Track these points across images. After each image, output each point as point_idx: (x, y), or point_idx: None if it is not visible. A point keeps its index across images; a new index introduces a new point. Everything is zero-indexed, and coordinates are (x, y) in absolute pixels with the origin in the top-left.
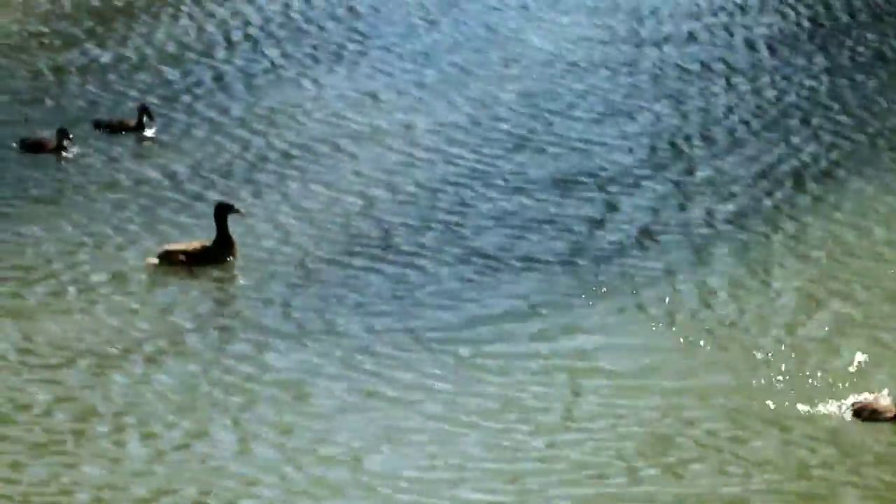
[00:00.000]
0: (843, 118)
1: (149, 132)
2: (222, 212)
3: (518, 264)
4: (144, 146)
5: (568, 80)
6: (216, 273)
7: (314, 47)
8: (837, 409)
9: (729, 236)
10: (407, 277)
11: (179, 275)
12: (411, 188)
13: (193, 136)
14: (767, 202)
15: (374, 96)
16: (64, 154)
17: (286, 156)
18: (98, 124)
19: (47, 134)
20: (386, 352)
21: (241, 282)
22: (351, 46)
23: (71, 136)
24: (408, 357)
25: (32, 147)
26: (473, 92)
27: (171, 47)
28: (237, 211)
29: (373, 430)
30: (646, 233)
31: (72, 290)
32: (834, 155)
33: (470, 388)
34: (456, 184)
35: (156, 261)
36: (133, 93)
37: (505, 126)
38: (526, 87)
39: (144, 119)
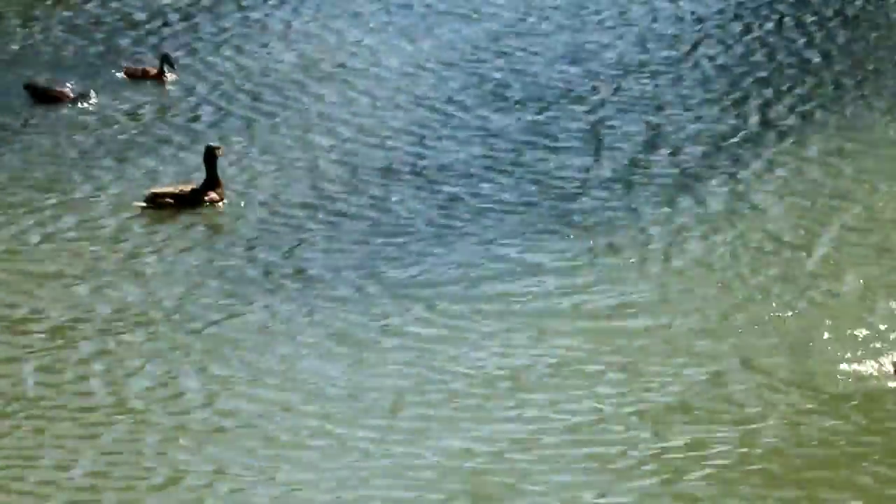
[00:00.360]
0: (810, 59)
1: (169, 77)
2: (211, 155)
3: (486, 207)
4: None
5: (538, 23)
6: (194, 217)
7: None
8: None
9: (699, 177)
10: (377, 220)
11: (162, 217)
12: (380, 130)
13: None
14: (734, 145)
15: (341, 35)
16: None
17: (255, 97)
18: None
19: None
20: (351, 295)
21: (221, 223)
22: None
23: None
24: (374, 301)
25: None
26: (443, 33)
27: None
28: (218, 147)
29: (336, 373)
30: (617, 175)
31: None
32: (800, 93)
33: (436, 333)
34: (424, 126)
35: (143, 204)
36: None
37: (472, 69)
38: (494, 29)
39: (165, 67)
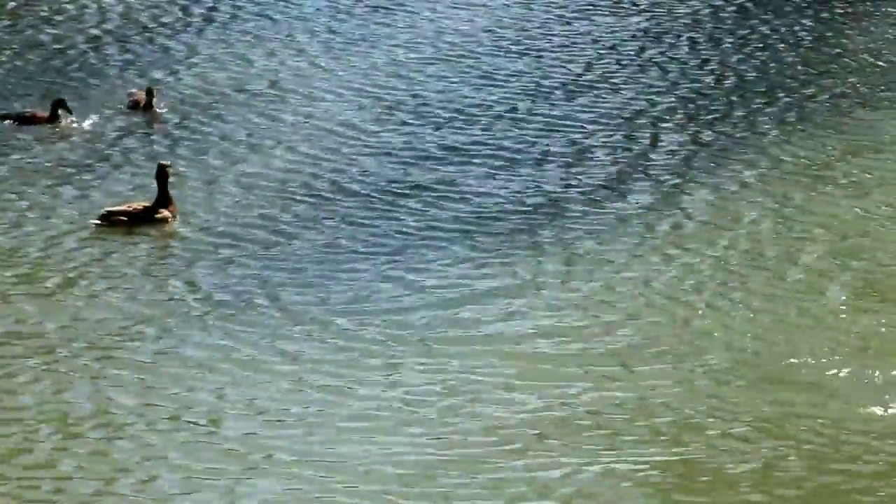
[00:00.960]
0: (801, 55)
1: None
2: (162, 173)
3: (452, 227)
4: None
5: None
6: (153, 233)
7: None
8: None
9: (673, 183)
10: (337, 240)
11: (118, 235)
12: (335, 147)
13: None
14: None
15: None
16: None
17: (206, 110)
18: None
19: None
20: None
21: (174, 243)
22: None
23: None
24: (333, 328)
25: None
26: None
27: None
28: (169, 166)
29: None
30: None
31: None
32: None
33: (398, 361)
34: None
35: (97, 221)
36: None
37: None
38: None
39: (60, 112)
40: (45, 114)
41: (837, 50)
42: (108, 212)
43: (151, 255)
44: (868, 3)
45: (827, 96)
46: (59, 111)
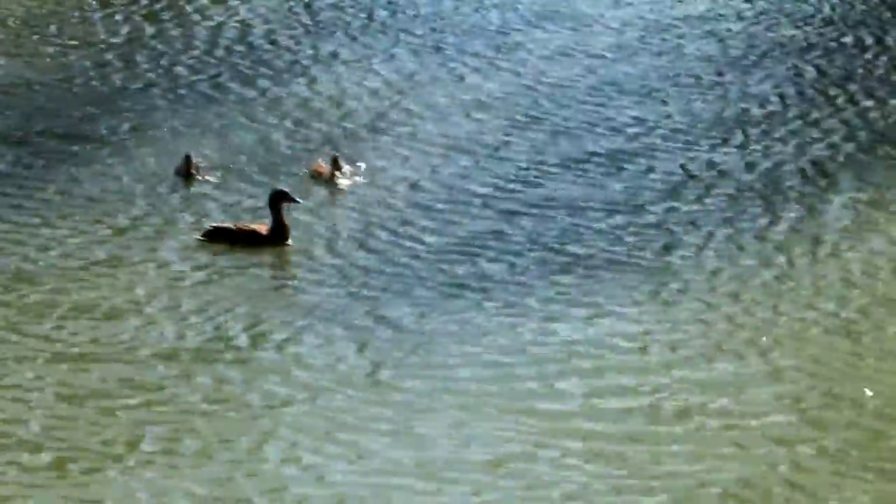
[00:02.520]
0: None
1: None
2: (277, 199)
3: (570, 260)
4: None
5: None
6: (257, 258)
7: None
8: None
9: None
10: (454, 271)
11: (219, 252)
12: (458, 174)
13: (218, 126)
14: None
15: (408, 77)
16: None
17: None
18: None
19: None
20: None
21: (283, 269)
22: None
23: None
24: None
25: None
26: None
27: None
28: (293, 200)
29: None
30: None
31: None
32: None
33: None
34: (503, 172)
35: (203, 237)
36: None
37: (525, 108)
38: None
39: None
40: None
41: None
42: (215, 228)
43: (254, 276)
44: None
45: None
46: (193, 170)
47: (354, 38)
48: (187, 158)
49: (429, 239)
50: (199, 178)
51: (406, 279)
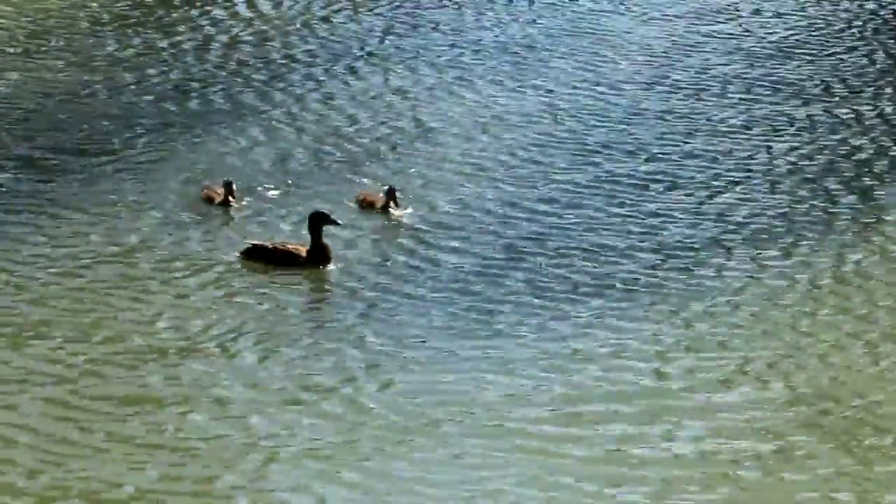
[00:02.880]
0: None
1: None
2: (317, 221)
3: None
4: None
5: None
6: (295, 277)
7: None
8: None
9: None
10: (489, 298)
11: (258, 271)
12: (498, 192)
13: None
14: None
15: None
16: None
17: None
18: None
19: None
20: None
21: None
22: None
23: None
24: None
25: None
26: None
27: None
28: (334, 222)
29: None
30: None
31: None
32: None
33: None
34: (540, 193)
35: (241, 255)
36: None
37: (546, 127)
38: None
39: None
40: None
41: None
42: (255, 246)
43: (291, 295)
44: None
45: None
46: (230, 195)
47: (371, 54)
48: (228, 185)
49: (451, 260)
50: (236, 205)
51: (430, 302)
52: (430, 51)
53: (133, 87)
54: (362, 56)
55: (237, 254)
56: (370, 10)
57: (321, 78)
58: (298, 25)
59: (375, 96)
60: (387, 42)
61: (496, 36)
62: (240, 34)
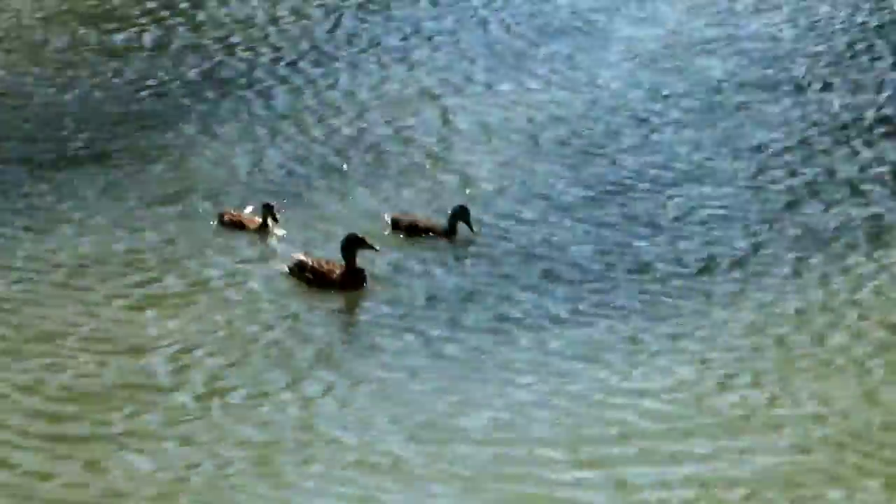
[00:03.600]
0: None
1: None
2: (352, 245)
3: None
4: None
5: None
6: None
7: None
8: None
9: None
10: (527, 311)
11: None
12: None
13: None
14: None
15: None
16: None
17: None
18: None
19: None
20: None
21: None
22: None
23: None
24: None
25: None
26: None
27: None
28: (370, 247)
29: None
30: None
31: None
32: None
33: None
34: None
35: (286, 270)
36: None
37: (565, 132)
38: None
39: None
40: (256, 220)
41: None
42: (300, 262)
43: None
44: None
45: None
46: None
47: (380, 54)
48: (268, 208)
49: (472, 272)
50: (276, 233)
51: (460, 311)
52: (422, 53)
53: (127, 86)
54: (348, 58)
55: (283, 268)
56: (354, 15)
57: (297, 82)
58: (306, 26)
59: (363, 101)
60: (377, 44)
61: (504, 36)
62: (252, 34)
